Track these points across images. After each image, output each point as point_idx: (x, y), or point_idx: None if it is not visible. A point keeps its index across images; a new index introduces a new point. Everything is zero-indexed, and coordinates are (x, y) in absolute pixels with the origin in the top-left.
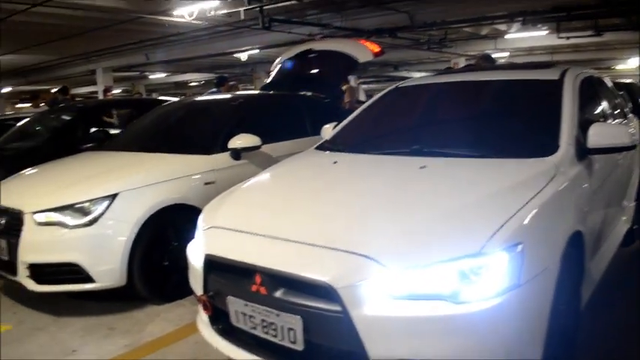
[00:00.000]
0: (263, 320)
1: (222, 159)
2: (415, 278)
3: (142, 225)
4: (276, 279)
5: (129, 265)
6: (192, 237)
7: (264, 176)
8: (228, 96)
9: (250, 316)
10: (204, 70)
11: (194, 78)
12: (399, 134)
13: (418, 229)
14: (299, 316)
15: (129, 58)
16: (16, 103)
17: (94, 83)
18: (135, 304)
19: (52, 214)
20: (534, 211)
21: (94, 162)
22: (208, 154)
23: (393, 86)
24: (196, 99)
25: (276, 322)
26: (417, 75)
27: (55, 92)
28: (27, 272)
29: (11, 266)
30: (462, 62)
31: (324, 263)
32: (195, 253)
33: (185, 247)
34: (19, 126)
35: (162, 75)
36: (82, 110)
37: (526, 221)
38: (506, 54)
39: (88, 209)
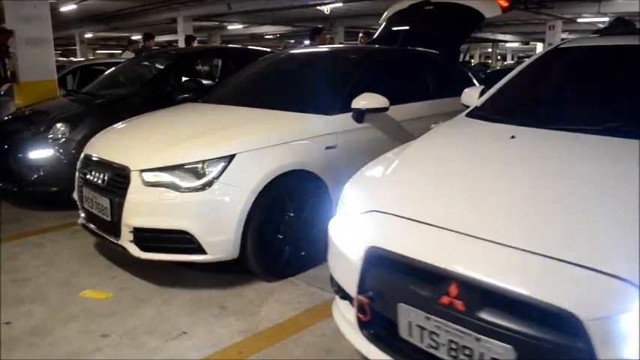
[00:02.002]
0: (452, 341)
1: (343, 121)
2: None
3: (259, 192)
4: (482, 294)
5: (242, 236)
6: (311, 208)
7: (423, 147)
8: (349, 48)
9: (432, 333)
10: (282, 23)
11: (270, 30)
12: (580, 105)
13: None
14: (511, 346)
15: (210, 7)
16: (97, 49)
17: (174, 32)
18: (242, 279)
19: (161, 173)
20: None
21: (202, 116)
22: (329, 114)
23: (551, 47)
24: (313, 50)
25: (472, 348)
26: (503, 37)
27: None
28: (130, 236)
29: (114, 228)
30: (558, 25)
31: (561, 282)
32: (348, 240)
33: (302, 217)
34: (110, 72)
35: (240, 26)
36: (176, 58)
37: None
38: (605, 19)
39: (201, 171)
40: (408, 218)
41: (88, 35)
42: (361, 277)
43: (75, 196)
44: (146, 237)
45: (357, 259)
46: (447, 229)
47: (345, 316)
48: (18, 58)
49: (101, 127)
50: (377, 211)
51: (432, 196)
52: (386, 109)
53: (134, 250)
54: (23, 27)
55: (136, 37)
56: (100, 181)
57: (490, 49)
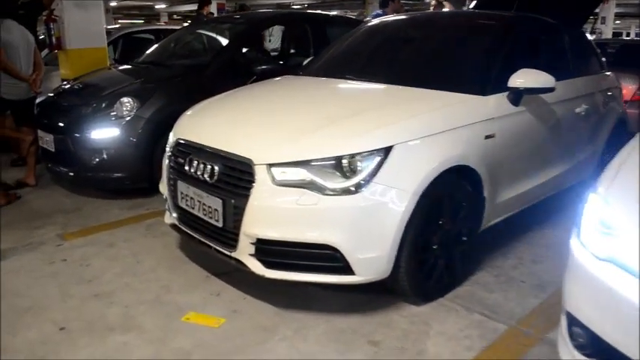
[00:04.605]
0: None
1: (500, 103)
2: None
3: (421, 194)
4: None
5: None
6: (465, 211)
7: None
8: (484, 15)
9: None
10: None
11: (298, 0)
12: None
13: None
14: None
15: None
16: (119, 19)
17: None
18: (376, 301)
19: (298, 169)
20: None
21: (327, 94)
22: (483, 94)
23: None
24: (442, 16)
25: None
26: None
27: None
28: (252, 249)
29: (227, 237)
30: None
31: None
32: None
33: (456, 223)
34: (168, 40)
35: None
36: (251, 24)
37: None
38: None
39: (352, 167)
40: None
41: (113, 4)
42: None
43: (163, 189)
44: (274, 251)
45: None
46: None
47: None
48: (64, 22)
49: (174, 102)
50: None
51: None
52: (552, 89)
53: (256, 267)
54: None
55: (159, 6)
56: (206, 176)
57: None
